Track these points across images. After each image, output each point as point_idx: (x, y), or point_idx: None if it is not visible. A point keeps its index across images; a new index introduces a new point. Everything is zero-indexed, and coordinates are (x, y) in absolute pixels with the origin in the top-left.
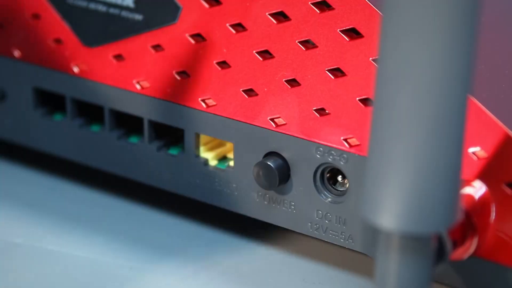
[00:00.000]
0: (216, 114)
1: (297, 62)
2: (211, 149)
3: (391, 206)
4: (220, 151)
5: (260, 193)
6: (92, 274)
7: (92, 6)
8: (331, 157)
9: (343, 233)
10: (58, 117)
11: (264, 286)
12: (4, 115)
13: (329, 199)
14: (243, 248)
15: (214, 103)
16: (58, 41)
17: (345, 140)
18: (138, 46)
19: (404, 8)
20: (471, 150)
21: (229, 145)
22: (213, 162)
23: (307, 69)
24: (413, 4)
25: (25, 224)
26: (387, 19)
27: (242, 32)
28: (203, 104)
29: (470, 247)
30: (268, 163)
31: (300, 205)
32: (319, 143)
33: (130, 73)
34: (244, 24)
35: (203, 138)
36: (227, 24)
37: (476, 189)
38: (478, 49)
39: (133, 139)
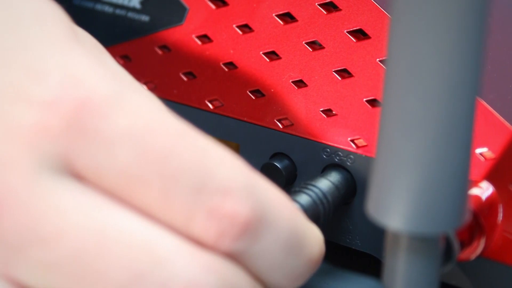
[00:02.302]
0: (223, 115)
1: (304, 63)
2: None
3: (399, 206)
4: None
5: None
6: None
7: (99, 7)
8: (338, 158)
9: (350, 234)
10: None
11: None
12: None
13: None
14: None
15: (221, 104)
16: None
17: (352, 141)
18: (144, 47)
19: (413, 9)
20: (478, 151)
21: (235, 146)
22: None
23: (314, 70)
24: (422, 6)
25: None
26: (396, 20)
27: (248, 33)
28: (210, 105)
29: (477, 248)
30: (275, 163)
31: None
32: (326, 144)
33: (136, 74)
34: (250, 25)
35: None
36: (234, 25)
37: (484, 190)
38: (486, 50)
39: None
